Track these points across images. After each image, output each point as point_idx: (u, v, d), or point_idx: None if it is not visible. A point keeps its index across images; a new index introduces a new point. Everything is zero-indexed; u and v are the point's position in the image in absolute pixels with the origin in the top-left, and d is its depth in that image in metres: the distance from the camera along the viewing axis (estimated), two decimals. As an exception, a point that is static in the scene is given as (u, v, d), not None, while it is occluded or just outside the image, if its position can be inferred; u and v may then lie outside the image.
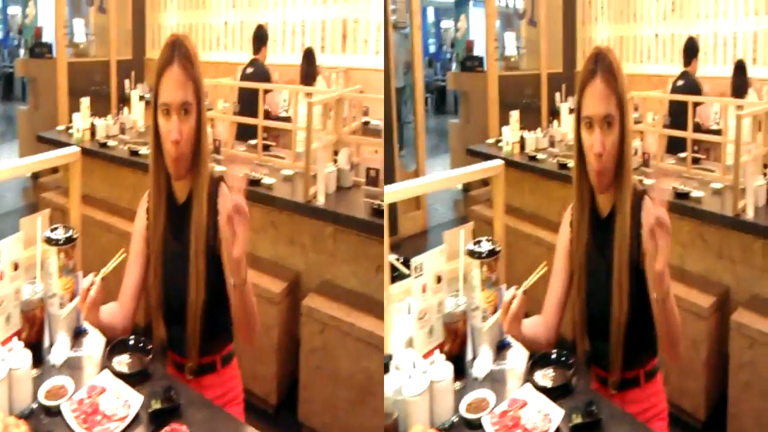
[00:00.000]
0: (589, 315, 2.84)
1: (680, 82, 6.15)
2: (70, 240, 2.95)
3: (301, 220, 4.67)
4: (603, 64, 2.71)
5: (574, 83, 5.68)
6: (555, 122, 6.62)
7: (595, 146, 2.68)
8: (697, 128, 5.70)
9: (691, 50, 6.23)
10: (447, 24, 9.04)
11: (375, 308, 4.26)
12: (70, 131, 6.06)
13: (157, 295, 2.93)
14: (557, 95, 6.73)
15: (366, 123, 5.80)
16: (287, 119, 5.92)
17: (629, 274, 2.74)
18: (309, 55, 6.28)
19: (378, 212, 4.43)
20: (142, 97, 6.37)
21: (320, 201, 4.61)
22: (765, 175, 4.74)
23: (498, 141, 6.28)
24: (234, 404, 3.01)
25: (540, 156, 5.92)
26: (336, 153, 5.04)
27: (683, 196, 4.75)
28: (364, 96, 5.90)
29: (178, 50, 2.81)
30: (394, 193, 3.30)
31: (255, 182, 4.83)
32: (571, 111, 6.19)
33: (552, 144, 6.22)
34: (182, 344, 2.91)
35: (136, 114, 6.25)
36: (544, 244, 5.03)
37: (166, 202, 2.90)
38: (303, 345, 4.43)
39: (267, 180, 4.87)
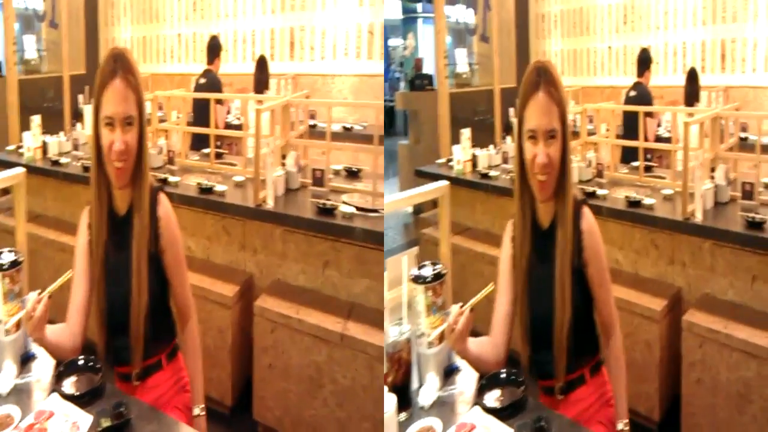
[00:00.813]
0: (533, 325, 2.83)
1: (633, 93, 6.20)
2: (15, 264, 2.86)
3: (252, 224, 4.72)
4: (545, 77, 2.73)
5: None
6: (508, 138, 6.55)
7: (540, 157, 2.69)
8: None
9: (644, 61, 6.26)
10: (395, 42, 8.94)
11: (322, 303, 4.42)
12: (21, 150, 5.88)
13: (100, 307, 2.88)
14: (511, 110, 6.67)
15: (313, 126, 5.80)
16: (239, 127, 5.93)
17: (571, 280, 2.75)
18: (261, 63, 6.28)
19: (324, 211, 4.47)
20: (96, 112, 6.24)
21: (270, 204, 4.64)
22: (712, 179, 4.77)
23: (449, 160, 6.18)
24: (185, 391, 3.01)
25: (492, 173, 5.85)
26: (284, 157, 5.07)
27: (635, 204, 4.76)
28: (311, 101, 5.95)
29: (120, 63, 2.80)
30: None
31: (207, 190, 4.82)
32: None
33: (506, 160, 6.14)
34: (126, 352, 2.87)
35: (90, 129, 6.01)
36: (498, 263, 4.97)
37: (107, 214, 2.87)
38: (256, 344, 4.45)
39: (219, 187, 4.86)
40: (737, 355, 4.05)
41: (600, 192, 5.01)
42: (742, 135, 5.74)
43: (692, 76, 6.28)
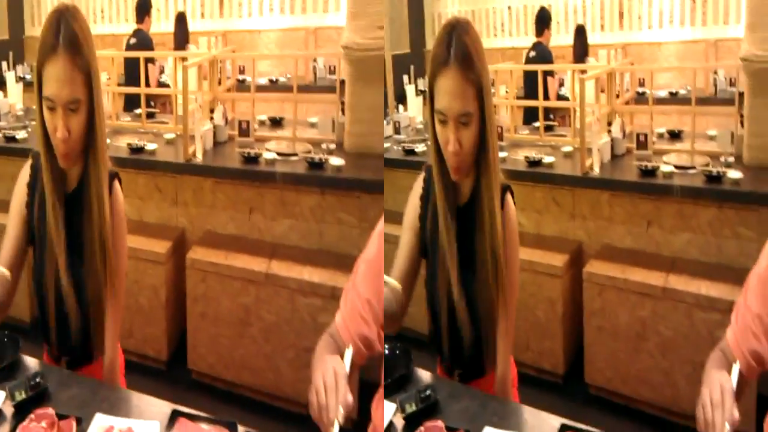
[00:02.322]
0: (449, 301, 2.57)
1: (532, 53, 6.16)
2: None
3: (183, 179, 4.76)
4: (458, 48, 2.34)
5: (423, 63, 5.72)
6: (401, 107, 6.29)
7: (451, 144, 2.38)
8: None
9: (542, 20, 6.24)
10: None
11: (249, 246, 4.53)
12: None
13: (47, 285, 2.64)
14: (404, 77, 6.42)
15: (242, 81, 5.79)
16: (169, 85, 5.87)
17: (491, 260, 2.48)
18: (181, 20, 6.21)
19: (248, 159, 4.61)
20: (21, 78, 6.04)
21: (199, 158, 4.71)
22: (609, 132, 4.91)
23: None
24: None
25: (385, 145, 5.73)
26: (213, 111, 5.12)
27: (535, 163, 4.80)
28: (236, 55, 5.92)
29: (64, 33, 2.41)
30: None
31: (138, 150, 4.82)
32: (418, 93, 6.08)
33: (397, 130, 5.78)
34: (64, 337, 2.67)
35: (14, 97, 5.81)
36: (391, 240, 5.05)
37: (56, 190, 2.58)
38: (188, 296, 4.53)
39: (150, 146, 4.86)
40: (634, 297, 4.24)
41: (500, 155, 4.83)
42: (640, 90, 5.85)
43: (580, 33, 6.32)
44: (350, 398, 2.02)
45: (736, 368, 2.05)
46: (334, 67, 5.47)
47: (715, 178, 4.31)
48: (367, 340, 2.25)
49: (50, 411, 2.27)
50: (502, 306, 2.53)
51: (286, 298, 4.30)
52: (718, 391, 1.96)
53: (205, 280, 4.50)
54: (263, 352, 4.38)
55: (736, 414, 1.93)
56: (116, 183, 2.67)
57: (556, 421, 2.32)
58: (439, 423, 2.29)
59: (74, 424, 2.27)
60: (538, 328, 4.57)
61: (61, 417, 2.27)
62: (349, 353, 2.16)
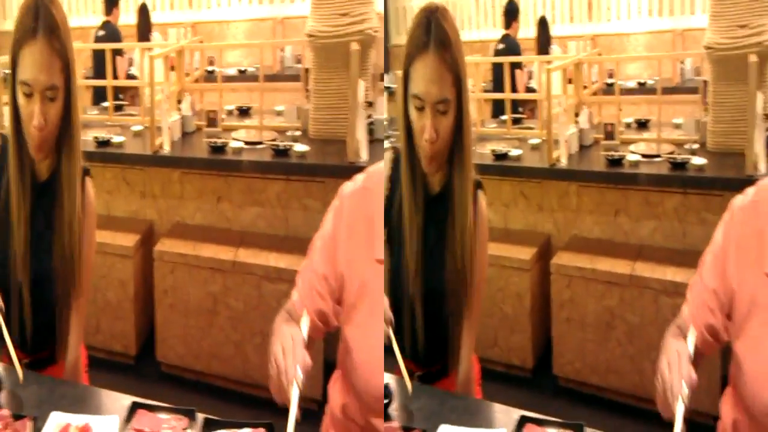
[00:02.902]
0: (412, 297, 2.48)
1: (501, 46, 6.09)
2: None
3: (151, 171, 4.73)
4: (437, 32, 2.29)
5: (388, 58, 5.68)
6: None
7: (427, 132, 2.29)
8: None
9: (510, 12, 6.18)
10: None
11: (217, 236, 4.54)
12: None
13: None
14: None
15: (211, 72, 5.73)
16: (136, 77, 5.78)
17: (460, 256, 2.41)
18: (143, 12, 6.09)
19: (215, 149, 4.59)
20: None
21: (166, 150, 4.66)
22: (576, 123, 4.87)
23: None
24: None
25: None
26: (181, 102, 5.07)
27: (502, 156, 4.74)
28: (204, 45, 5.86)
29: (43, 19, 2.36)
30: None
31: (104, 143, 4.74)
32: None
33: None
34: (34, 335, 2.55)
35: None
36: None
37: (29, 182, 2.49)
38: (157, 288, 4.51)
39: (116, 139, 4.79)
40: (602, 286, 4.24)
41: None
42: (609, 81, 5.79)
43: (543, 25, 6.24)
44: (308, 360, 1.95)
45: (691, 336, 2.03)
46: (302, 57, 5.44)
47: (679, 165, 4.33)
48: (323, 314, 2.21)
49: (4, 412, 2.20)
50: (467, 304, 2.46)
51: (253, 285, 4.30)
52: (675, 355, 1.95)
53: (174, 271, 4.48)
54: (232, 340, 4.38)
55: (694, 375, 1.91)
56: (88, 179, 2.58)
57: (517, 413, 2.28)
58: (395, 424, 2.23)
59: (30, 423, 2.18)
60: (506, 324, 4.54)
61: (17, 417, 2.19)
62: (305, 321, 2.09)
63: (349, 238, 2.17)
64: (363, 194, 2.20)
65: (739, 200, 2.07)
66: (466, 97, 2.35)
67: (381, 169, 2.23)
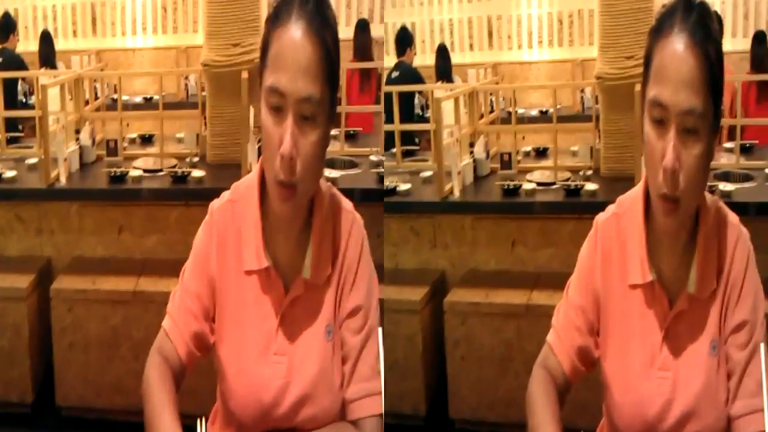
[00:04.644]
0: None
1: (395, 73, 5.94)
2: None
3: (47, 205, 4.50)
4: None
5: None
6: None
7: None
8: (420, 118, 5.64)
9: (403, 40, 6.08)
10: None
11: (118, 267, 4.36)
12: None
13: None
14: None
15: (114, 99, 5.49)
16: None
17: None
18: (46, 39, 5.97)
19: (115, 178, 4.45)
20: None
21: (63, 182, 4.45)
22: (471, 153, 4.71)
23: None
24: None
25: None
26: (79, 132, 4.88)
27: (391, 192, 4.51)
28: (104, 74, 5.73)
29: None
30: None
31: (-7, 179, 4.44)
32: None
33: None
34: None
35: None
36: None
37: None
38: (54, 327, 4.27)
39: (8, 173, 4.52)
40: (498, 320, 4.09)
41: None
42: (518, 110, 5.69)
43: (442, 53, 6.14)
44: None
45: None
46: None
47: (573, 192, 4.32)
48: (199, 337, 2.02)
49: None
50: None
51: (154, 313, 4.02)
52: None
53: (72, 309, 4.25)
54: (134, 371, 4.05)
55: None
56: None
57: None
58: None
59: None
60: (397, 370, 4.31)
61: None
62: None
63: (220, 252, 2.02)
64: (230, 207, 2.06)
65: (602, 216, 2.01)
66: None
67: (249, 180, 2.09)
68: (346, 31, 6.00)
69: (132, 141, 5.30)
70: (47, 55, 5.83)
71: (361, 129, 5.65)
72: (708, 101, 1.73)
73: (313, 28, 1.82)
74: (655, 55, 1.76)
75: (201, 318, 2.02)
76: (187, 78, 6.09)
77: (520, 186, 4.41)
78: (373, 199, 4.26)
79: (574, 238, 4.00)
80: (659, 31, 1.77)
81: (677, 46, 1.73)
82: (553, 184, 4.52)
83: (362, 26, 6.29)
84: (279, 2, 1.86)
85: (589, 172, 4.66)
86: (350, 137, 5.45)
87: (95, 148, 4.90)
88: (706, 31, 1.76)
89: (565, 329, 2.01)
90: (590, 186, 4.33)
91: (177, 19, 6.65)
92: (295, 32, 1.80)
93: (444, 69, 5.97)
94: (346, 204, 2.05)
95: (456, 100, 4.65)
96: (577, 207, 4.23)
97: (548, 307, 3.88)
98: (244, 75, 4.38)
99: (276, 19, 1.84)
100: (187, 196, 4.40)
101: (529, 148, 5.35)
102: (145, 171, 4.58)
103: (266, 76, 1.82)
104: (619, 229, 1.97)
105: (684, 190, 1.75)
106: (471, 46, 6.80)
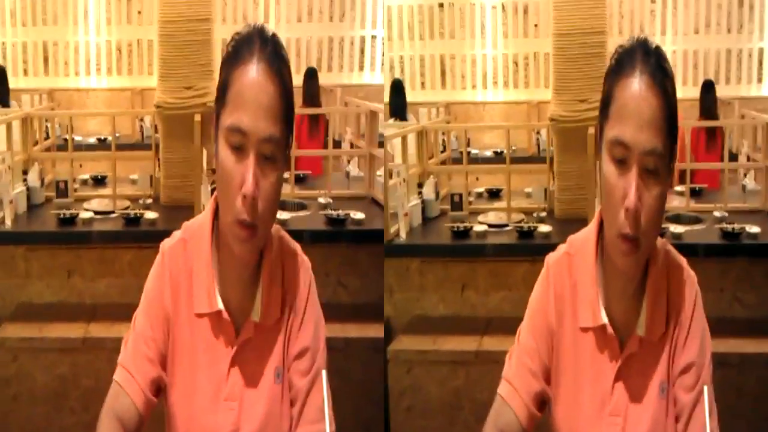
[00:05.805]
0: None
1: None
2: None
3: (-11, 250, 4.29)
4: None
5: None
6: None
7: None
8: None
9: None
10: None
11: (67, 313, 4.22)
12: None
13: None
14: None
15: (66, 140, 5.38)
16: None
17: None
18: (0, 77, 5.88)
19: (64, 221, 4.31)
20: None
21: (8, 225, 4.28)
22: (420, 194, 4.64)
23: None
24: None
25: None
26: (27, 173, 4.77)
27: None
28: (57, 113, 5.69)
29: None
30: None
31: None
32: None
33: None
34: None
35: None
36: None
37: None
38: (-5, 383, 4.06)
39: None
40: (446, 368, 3.97)
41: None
42: (470, 150, 5.72)
43: (397, 89, 6.07)
44: None
45: None
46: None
47: (527, 234, 4.27)
48: (156, 382, 1.98)
49: None
50: None
51: (105, 361, 3.90)
52: None
53: (17, 358, 4.05)
54: (83, 423, 3.99)
55: None
56: None
57: None
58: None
59: None
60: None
61: None
62: None
63: (173, 292, 1.96)
64: (182, 247, 2.01)
65: (553, 256, 1.99)
66: None
67: (201, 219, 2.05)
68: (296, 78, 5.98)
69: (84, 182, 5.21)
70: (2, 94, 5.76)
71: (310, 172, 5.62)
72: (667, 142, 1.74)
73: (275, 69, 1.81)
74: (615, 94, 1.76)
75: (158, 363, 1.96)
76: (142, 119, 6.04)
77: (471, 228, 4.31)
78: (322, 241, 4.27)
79: (527, 280, 3.95)
80: (619, 71, 1.77)
81: (640, 86, 1.74)
82: (506, 225, 4.46)
83: (311, 74, 6.38)
84: (237, 41, 1.85)
85: (543, 214, 4.65)
86: (300, 180, 5.42)
87: (44, 190, 4.78)
88: (666, 74, 1.77)
89: (519, 376, 1.97)
90: (544, 228, 4.29)
91: (132, 60, 6.64)
92: (258, 72, 1.79)
93: (397, 106, 5.89)
94: (295, 246, 2.03)
95: (404, 139, 4.60)
96: (531, 249, 4.16)
97: (500, 353, 3.68)
98: (197, 117, 4.33)
99: (236, 58, 1.83)
100: (140, 238, 4.28)
101: (482, 190, 5.31)
102: (96, 213, 4.47)
103: (225, 114, 1.80)
104: (571, 269, 1.95)
105: (644, 231, 1.75)
106: (423, 85, 6.81)
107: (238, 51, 1.85)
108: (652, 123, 1.73)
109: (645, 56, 1.77)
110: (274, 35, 1.85)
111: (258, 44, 1.83)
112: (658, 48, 1.80)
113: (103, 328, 4.06)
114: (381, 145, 4.71)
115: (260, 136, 1.78)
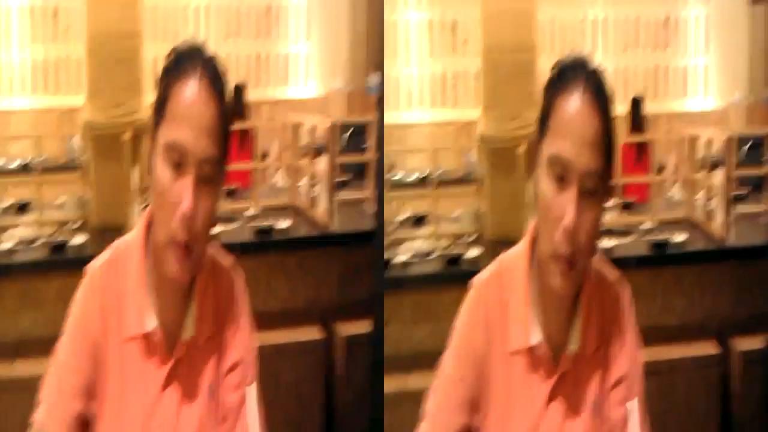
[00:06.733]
0: None
1: None
2: None
3: None
4: None
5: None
6: None
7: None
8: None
9: None
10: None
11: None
12: None
13: None
14: None
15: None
16: None
17: None
18: None
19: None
20: None
21: None
22: None
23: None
24: None
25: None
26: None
27: None
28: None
29: None
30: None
31: None
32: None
33: None
34: None
35: None
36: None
37: None
38: None
39: None
40: None
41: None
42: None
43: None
44: None
45: None
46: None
47: (453, 261, 4.31)
48: (83, 419, 1.90)
49: None
50: None
51: (32, 402, 3.85)
52: None
53: None
54: None
55: None
56: None
57: None
58: None
59: None
60: None
61: None
62: None
63: (102, 316, 1.90)
64: (110, 268, 1.95)
65: (480, 277, 1.96)
66: None
67: (130, 239, 2.00)
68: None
69: (6, 210, 4.97)
70: None
71: (240, 184, 5.59)
72: (607, 163, 1.74)
73: (216, 88, 1.80)
74: (555, 110, 1.74)
75: (84, 396, 1.90)
76: (71, 140, 5.95)
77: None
78: (252, 251, 4.33)
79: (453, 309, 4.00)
80: (561, 86, 1.76)
81: (581, 105, 1.72)
82: (432, 252, 4.47)
83: (239, 90, 6.37)
84: (177, 55, 1.84)
85: (472, 238, 4.62)
86: (229, 193, 5.36)
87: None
88: (607, 94, 1.77)
89: (445, 410, 1.92)
90: (472, 252, 4.30)
91: (59, 79, 6.53)
92: (199, 90, 1.78)
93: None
94: (227, 260, 2.01)
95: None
96: (460, 276, 4.10)
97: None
98: (127, 136, 4.36)
99: (176, 71, 1.81)
100: (67, 265, 4.11)
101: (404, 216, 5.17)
102: (18, 242, 4.36)
103: (164, 129, 1.78)
104: (501, 289, 1.92)
105: (581, 251, 1.74)
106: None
107: (179, 64, 1.84)
108: (594, 143, 1.72)
109: (588, 74, 1.77)
110: (214, 54, 1.86)
111: (201, 60, 1.81)
112: (599, 67, 1.82)
113: (28, 367, 3.87)
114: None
115: (201, 156, 1.75)
